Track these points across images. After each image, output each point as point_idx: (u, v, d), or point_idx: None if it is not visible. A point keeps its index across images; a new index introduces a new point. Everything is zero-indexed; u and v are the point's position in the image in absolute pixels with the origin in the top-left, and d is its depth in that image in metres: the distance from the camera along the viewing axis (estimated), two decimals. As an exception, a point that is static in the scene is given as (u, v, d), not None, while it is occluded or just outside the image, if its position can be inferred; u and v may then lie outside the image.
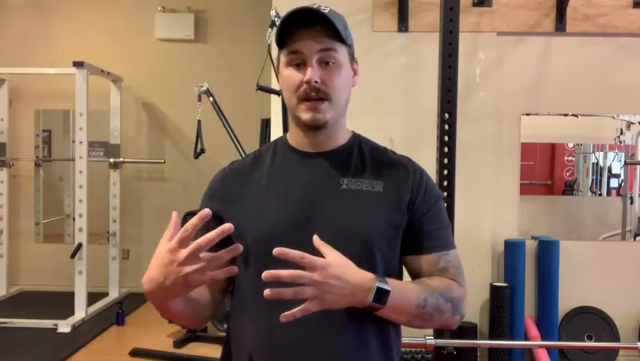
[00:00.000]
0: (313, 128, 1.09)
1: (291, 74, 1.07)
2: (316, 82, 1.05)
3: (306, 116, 1.07)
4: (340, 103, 1.10)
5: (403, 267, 1.18)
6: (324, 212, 1.08)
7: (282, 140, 1.19)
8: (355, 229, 1.07)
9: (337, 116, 1.11)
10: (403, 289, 1.03)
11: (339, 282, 0.95)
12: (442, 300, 1.05)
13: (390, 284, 1.00)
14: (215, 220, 1.13)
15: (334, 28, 1.05)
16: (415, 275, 1.15)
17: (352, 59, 1.13)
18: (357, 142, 1.17)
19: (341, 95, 1.09)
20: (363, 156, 1.15)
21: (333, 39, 1.06)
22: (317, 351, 1.05)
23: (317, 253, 1.03)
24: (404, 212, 1.11)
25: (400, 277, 1.17)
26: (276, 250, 0.92)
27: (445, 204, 2.80)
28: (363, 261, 1.05)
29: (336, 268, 0.95)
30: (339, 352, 1.06)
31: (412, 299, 1.03)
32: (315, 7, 1.06)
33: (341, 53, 1.08)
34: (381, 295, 0.98)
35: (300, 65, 1.07)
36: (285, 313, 0.92)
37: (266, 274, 0.91)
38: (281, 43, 1.08)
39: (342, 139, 1.15)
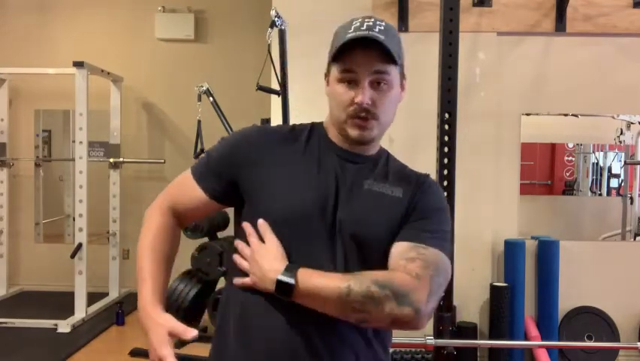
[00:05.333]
0: (359, 143, 1.14)
1: (343, 92, 1.10)
2: (367, 103, 1.08)
3: (353, 133, 1.11)
4: (386, 122, 1.15)
5: None
6: (343, 203, 1.11)
7: (320, 128, 1.21)
8: (367, 223, 1.10)
9: (382, 134, 1.16)
10: (320, 280, 1.01)
11: (255, 266, 1.07)
12: (375, 287, 0.99)
13: (303, 275, 1.02)
14: (237, 166, 1.16)
15: (389, 54, 1.07)
16: (386, 264, 1.09)
17: (403, 76, 1.16)
18: (386, 155, 1.22)
19: (388, 115, 1.14)
20: (387, 166, 1.19)
21: (387, 62, 1.09)
22: (320, 350, 1.07)
23: (328, 239, 1.09)
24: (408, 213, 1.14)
25: None
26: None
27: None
28: (364, 254, 1.10)
29: (256, 254, 1.08)
30: (342, 351, 1.09)
31: (332, 288, 1.00)
32: (372, 22, 1.08)
33: (393, 75, 1.11)
34: (285, 287, 1.02)
35: (352, 83, 1.09)
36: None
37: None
38: (335, 56, 1.10)
39: (374, 150, 1.20)
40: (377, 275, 1.02)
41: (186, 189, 1.20)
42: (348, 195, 1.12)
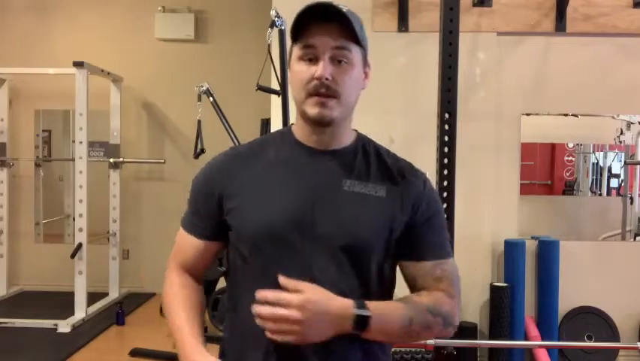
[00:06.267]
0: (319, 124, 1.08)
1: (303, 69, 1.06)
2: (327, 79, 1.04)
3: (312, 111, 1.06)
4: (348, 102, 1.09)
5: (398, 271, 1.17)
6: (324, 212, 1.07)
7: (289, 131, 1.17)
8: (354, 232, 1.07)
9: (344, 115, 1.09)
10: (386, 312, 1.03)
11: (319, 318, 0.97)
12: (430, 316, 1.06)
13: (371, 308, 1.00)
14: (215, 198, 1.13)
15: (351, 27, 1.04)
16: (410, 281, 1.14)
17: (365, 61, 1.12)
18: (362, 143, 1.16)
19: (350, 95, 1.08)
20: (368, 159, 1.14)
21: (348, 39, 1.05)
22: (318, 351, 1.05)
23: (315, 253, 1.05)
24: (405, 218, 1.10)
25: (393, 281, 1.16)
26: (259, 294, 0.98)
27: (445, 204, 2.81)
28: (358, 265, 1.07)
29: (314, 305, 0.97)
30: (342, 351, 1.07)
31: (396, 321, 1.03)
32: (332, 1, 1.05)
33: (355, 53, 1.07)
34: (361, 321, 0.99)
35: (313, 60, 1.05)
36: (268, 335, 0.98)
37: (258, 296, 0.98)
38: (295, 36, 1.07)
39: (347, 139, 1.14)
40: (427, 302, 1.07)
41: (184, 244, 1.19)
42: (328, 201, 1.08)
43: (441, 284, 1.11)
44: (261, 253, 1.07)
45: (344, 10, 1.04)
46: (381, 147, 1.18)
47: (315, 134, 1.11)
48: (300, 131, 1.13)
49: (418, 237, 1.12)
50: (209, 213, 1.14)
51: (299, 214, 1.06)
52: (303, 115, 1.09)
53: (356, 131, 1.18)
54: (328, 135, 1.11)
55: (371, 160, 1.13)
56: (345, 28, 1.04)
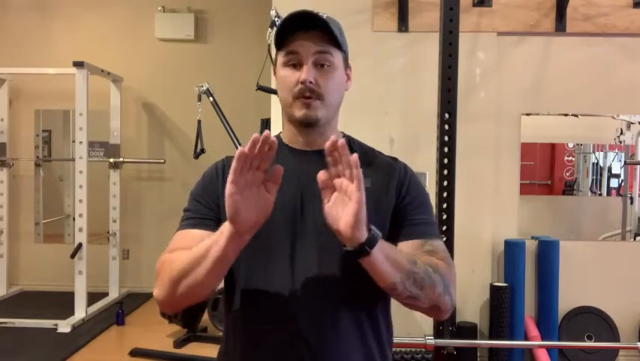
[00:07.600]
0: (306, 125, 1.13)
1: (288, 74, 1.12)
2: (310, 82, 1.09)
3: (299, 113, 1.11)
4: (332, 104, 1.14)
5: None
6: (315, 206, 1.08)
7: (277, 137, 1.21)
8: None
9: (329, 116, 1.15)
10: (392, 247, 1.03)
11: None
12: (430, 270, 1.04)
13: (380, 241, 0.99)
14: (215, 196, 1.15)
15: (331, 33, 1.10)
16: None
17: (346, 64, 1.18)
18: (348, 142, 1.20)
19: (333, 97, 1.13)
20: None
21: (329, 43, 1.11)
22: (312, 343, 1.07)
23: (309, 249, 1.08)
24: (391, 203, 1.14)
25: None
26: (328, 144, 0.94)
27: (445, 204, 2.81)
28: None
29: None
30: (337, 345, 1.08)
31: (402, 256, 1.02)
32: (312, 11, 1.10)
33: (336, 57, 1.13)
34: (372, 238, 0.95)
35: (297, 65, 1.11)
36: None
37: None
38: (279, 44, 1.13)
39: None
40: (426, 260, 1.06)
41: (184, 239, 1.11)
42: (317, 198, 1.06)
43: (435, 255, 1.10)
44: (255, 255, 1.08)
45: (324, 17, 1.10)
46: (365, 144, 1.24)
47: (302, 136, 1.16)
48: (288, 135, 1.19)
49: (404, 219, 1.14)
50: (212, 206, 1.15)
51: (290, 213, 1.10)
52: (290, 118, 1.15)
53: (342, 133, 1.23)
54: (315, 135, 1.16)
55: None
56: (326, 33, 1.10)
